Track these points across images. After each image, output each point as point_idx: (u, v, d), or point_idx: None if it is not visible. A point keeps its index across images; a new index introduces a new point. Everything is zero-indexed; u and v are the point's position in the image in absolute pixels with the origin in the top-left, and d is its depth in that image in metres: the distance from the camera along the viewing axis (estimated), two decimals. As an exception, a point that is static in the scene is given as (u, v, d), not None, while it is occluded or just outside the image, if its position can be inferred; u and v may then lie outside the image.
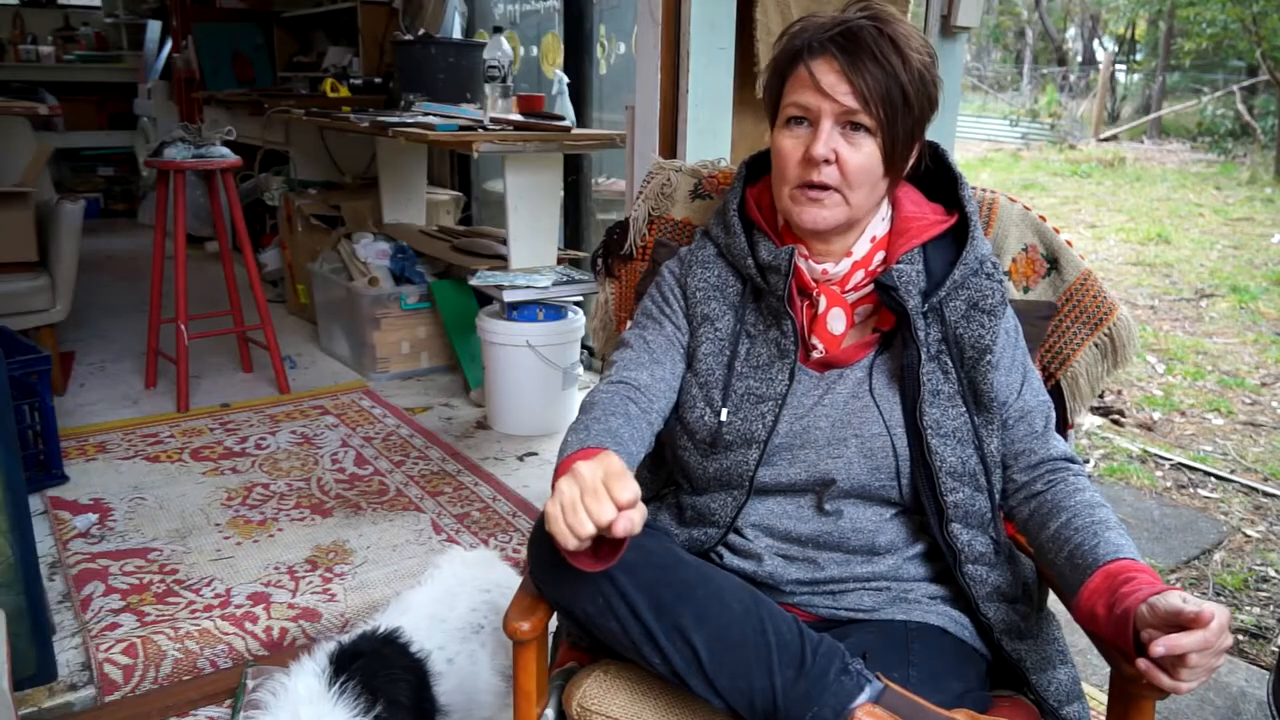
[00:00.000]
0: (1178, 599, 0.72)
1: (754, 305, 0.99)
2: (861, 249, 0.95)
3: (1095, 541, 0.84)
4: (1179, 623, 0.71)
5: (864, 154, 0.90)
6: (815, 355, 0.96)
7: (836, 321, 0.95)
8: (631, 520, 0.74)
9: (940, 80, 0.94)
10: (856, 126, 0.89)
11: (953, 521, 0.92)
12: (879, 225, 0.97)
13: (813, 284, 0.95)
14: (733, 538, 0.98)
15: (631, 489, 0.74)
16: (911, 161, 0.95)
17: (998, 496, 0.96)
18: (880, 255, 0.96)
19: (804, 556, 0.96)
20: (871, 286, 0.96)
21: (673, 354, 1.00)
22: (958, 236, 0.98)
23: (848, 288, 0.95)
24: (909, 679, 0.86)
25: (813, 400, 0.96)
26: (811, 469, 0.94)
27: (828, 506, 0.95)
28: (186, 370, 2.63)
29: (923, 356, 0.92)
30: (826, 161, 0.89)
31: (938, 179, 1.02)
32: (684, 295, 1.02)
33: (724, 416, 0.94)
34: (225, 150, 2.60)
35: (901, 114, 0.89)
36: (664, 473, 1.08)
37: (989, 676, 0.95)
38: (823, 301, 0.95)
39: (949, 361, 0.93)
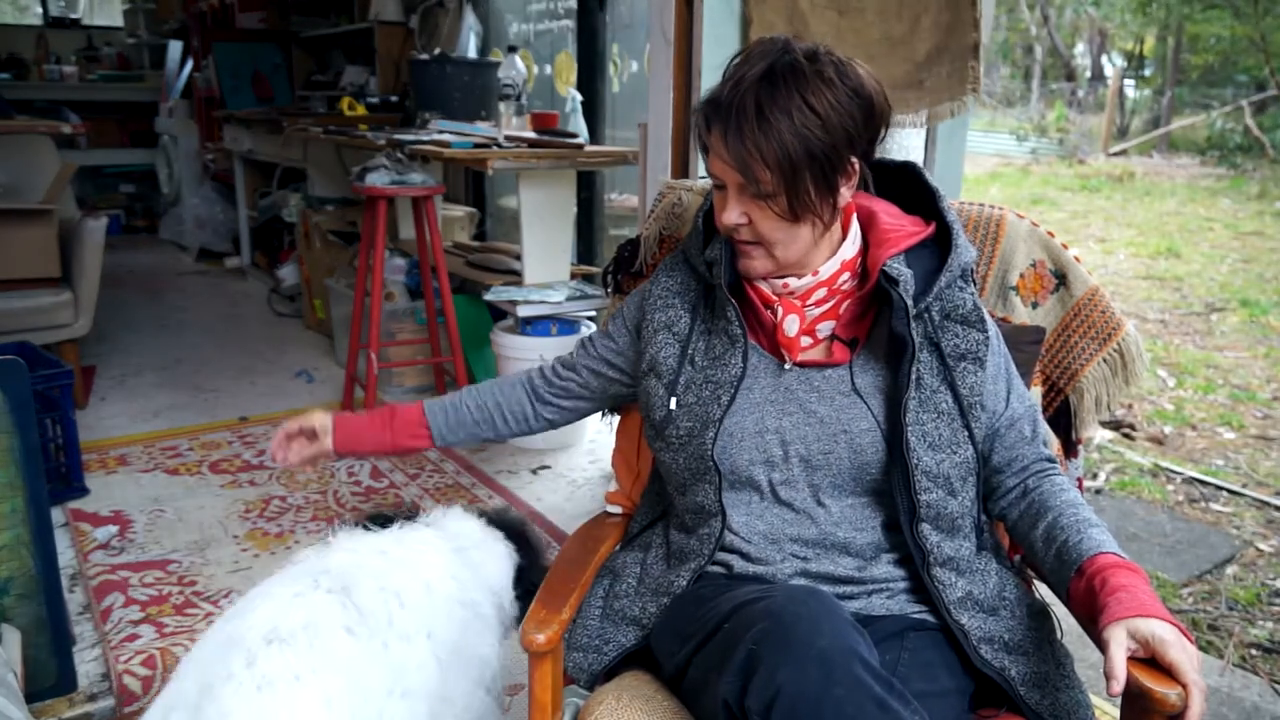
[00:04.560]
0: (1115, 647, 0.79)
1: (706, 301, 1.05)
2: (829, 270, 0.98)
3: (1079, 538, 0.91)
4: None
5: (771, 215, 0.93)
6: (789, 361, 1.00)
7: (791, 324, 0.99)
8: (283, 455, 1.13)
9: (865, 101, 0.91)
10: (757, 194, 0.92)
11: (923, 522, 0.94)
12: (848, 248, 0.99)
13: (773, 297, 1.00)
14: (742, 545, 0.99)
15: (303, 424, 1.13)
16: (848, 192, 0.95)
17: (971, 505, 0.97)
18: (846, 276, 0.99)
19: (814, 558, 0.97)
20: (834, 300, 0.99)
21: (608, 355, 1.13)
22: (939, 246, 1.01)
23: (809, 302, 0.99)
24: (900, 661, 0.89)
25: (785, 390, 0.99)
26: (799, 464, 0.97)
27: (825, 502, 0.97)
28: (374, 397, 2.63)
29: (914, 354, 0.95)
30: (739, 225, 0.94)
31: (915, 192, 1.05)
32: (640, 310, 1.09)
33: (673, 405, 1.00)
34: (425, 177, 2.56)
35: (803, 169, 0.89)
36: (666, 494, 1.12)
37: (983, 693, 0.95)
38: (780, 310, 0.99)
39: (934, 366, 0.96)
